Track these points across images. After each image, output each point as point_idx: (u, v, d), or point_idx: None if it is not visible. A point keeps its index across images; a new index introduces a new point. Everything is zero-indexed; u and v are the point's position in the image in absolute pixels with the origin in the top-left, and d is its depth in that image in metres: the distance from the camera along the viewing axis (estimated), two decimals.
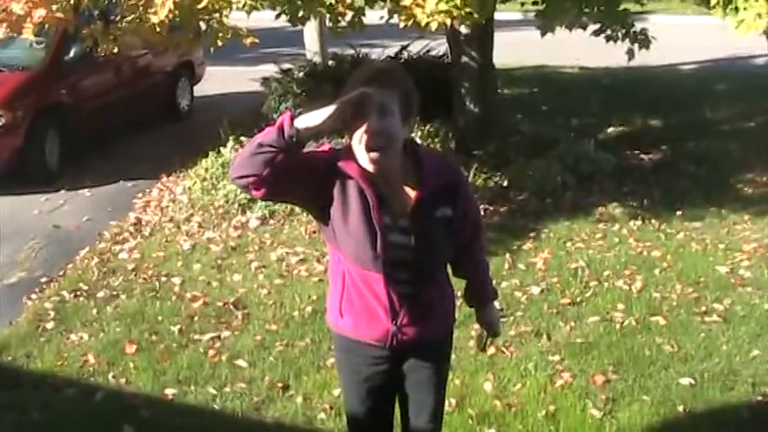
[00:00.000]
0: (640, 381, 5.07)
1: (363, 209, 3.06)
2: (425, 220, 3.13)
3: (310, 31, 12.44)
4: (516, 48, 12.79)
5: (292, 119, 2.89)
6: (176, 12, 6.32)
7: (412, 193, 3.12)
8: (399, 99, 3.00)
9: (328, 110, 2.88)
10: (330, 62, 11.03)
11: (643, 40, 7.59)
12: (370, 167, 3.02)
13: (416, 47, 10.39)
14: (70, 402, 5.07)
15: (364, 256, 3.11)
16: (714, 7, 6.58)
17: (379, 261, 3.10)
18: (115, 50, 7.32)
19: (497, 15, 8.27)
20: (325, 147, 3.40)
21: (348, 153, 3.08)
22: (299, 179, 3.00)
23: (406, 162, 3.12)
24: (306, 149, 3.01)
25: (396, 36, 6.80)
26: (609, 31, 7.59)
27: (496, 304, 3.70)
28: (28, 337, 5.85)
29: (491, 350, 5.19)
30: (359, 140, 2.99)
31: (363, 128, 2.96)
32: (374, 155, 2.98)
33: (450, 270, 3.46)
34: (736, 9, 6.05)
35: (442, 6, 6.17)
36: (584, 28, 7.54)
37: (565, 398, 4.87)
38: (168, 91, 12.07)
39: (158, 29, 6.45)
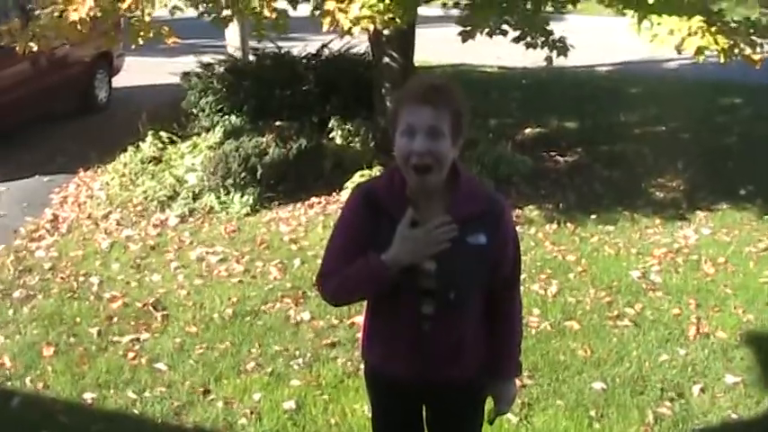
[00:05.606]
0: (555, 386, 5.19)
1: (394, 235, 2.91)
2: (453, 246, 2.88)
3: (232, 26, 12.35)
4: (437, 45, 12.89)
5: (385, 268, 2.87)
6: (97, 9, 6.25)
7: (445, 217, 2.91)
8: (450, 119, 2.86)
9: (410, 245, 2.85)
10: (251, 57, 10.98)
11: (561, 48, 7.74)
12: (415, 186, 2.91)
13: (338, 43, 10.39)
14: None
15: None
16: (632, 17, 6.74)
17: (406, 288, 2.95)
18: (35, 49, 7.18)
19: (419, 11, 8.22)
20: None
21: (386, 177, 3.05)
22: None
23: (445, 185, 2.96)
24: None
25: (316, 30, 6.82)
26: (528, 39, 7.72)
27: (517, 381, 3.42)
28: None
29: None
30: (405, 160, 2.88)
31: (411, 147, 2.85)
32: (421, 175, 2.87)
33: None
34: (651, 24, 6.21)
35: (365, 12, 6.23)
36: (505, 35, 7.65)
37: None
38: (86, 83, 11.87)
39: (79, 26, 6.35)
